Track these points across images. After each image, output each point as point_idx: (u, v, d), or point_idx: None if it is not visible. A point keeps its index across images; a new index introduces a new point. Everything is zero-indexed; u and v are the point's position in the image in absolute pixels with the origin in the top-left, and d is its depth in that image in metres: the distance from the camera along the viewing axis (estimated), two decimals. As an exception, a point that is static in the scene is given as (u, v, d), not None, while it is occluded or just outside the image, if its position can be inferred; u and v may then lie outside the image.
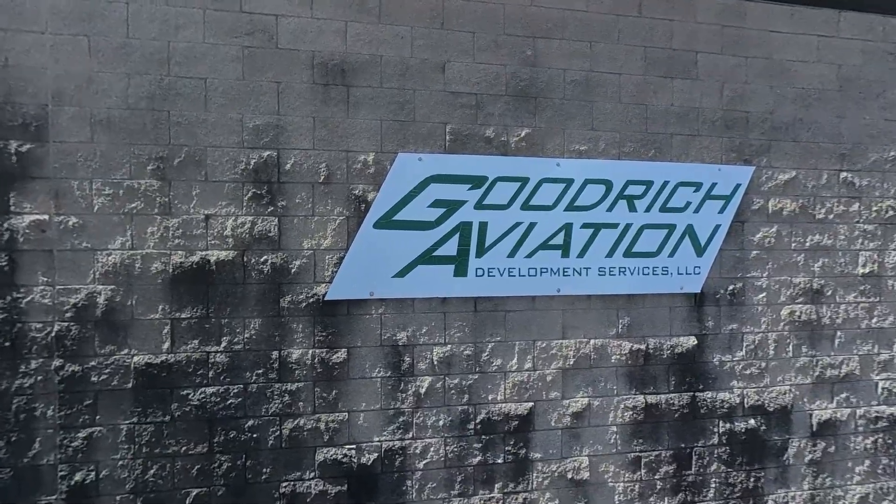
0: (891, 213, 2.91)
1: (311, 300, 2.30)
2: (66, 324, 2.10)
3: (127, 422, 2.16)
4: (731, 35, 2.69)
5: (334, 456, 2.32)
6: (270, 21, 2.25)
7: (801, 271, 2.79)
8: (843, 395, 2.86)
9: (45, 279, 2.09)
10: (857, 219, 2.87)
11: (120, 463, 2.15)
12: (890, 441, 2.92)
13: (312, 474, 2.31)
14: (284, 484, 2.28)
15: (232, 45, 2.22)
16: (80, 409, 2.12)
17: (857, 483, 2.88)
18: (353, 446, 2.34)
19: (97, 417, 2.13)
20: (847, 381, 2.86)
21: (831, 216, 2.83)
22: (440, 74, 2.39)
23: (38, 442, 2.09)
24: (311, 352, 2.30)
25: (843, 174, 2.84)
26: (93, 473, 2.13)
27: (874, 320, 2.89)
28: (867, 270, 2.88)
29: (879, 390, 2.91)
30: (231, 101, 2.23)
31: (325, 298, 2.30)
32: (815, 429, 2.82)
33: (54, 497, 2.11)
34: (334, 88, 2.31)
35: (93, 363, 2.13)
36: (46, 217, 2.08)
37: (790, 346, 2.79)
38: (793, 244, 2.78)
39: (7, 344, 2.07)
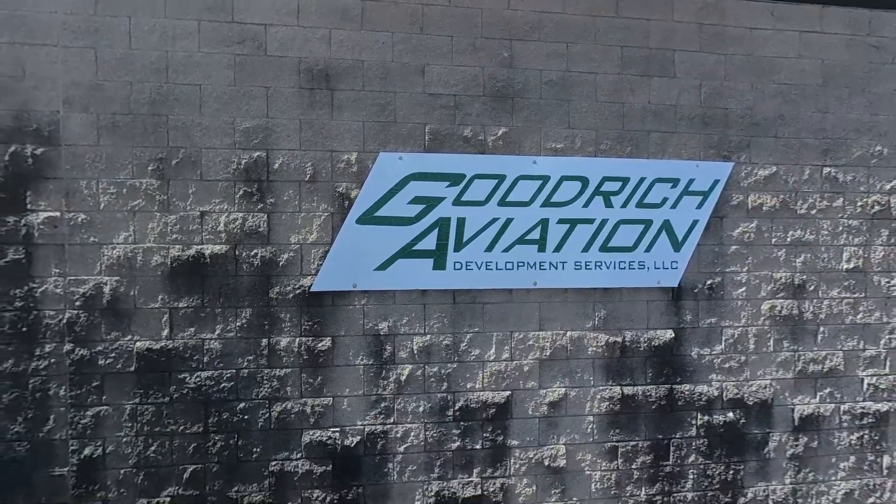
0: (877, 208, 3.12)
1: (298, 291, 2.65)
2: (76, 312, 2.50)
3: (130, 402, 2.55)
4: (710, 33, 2.94)
5: (320, 438, 2.68)
6: (260, 30, 2.60)
7: (782, 266, 3.03)
8: (827, 391, 3.09)
9: (58, 271, 2.48)
10: (842, 214, 3.09)
11: (124, 440, 2.54)
12: (877, 437, 3.14)
13: (299, 455, 2.66)
14: (273, 463, 2.64)
15: (224, 54, 2.58)
16: (89, 389, 2.51)
17: (841, 479, 3.11)
18: (338, 429, 2.69)
19: (104, 397, 2.53)
20: (831, 376, 3.09)
21: (814, 211, 3.06)
22: (420, 77, 2.71)
23: (52, 419, 2.49)
24: (297, 340, 2.66)
25: (827, 169, 3.07)
26: (100, 448, 2.52)
27: (859, 316, 3.11)
28: (851, 266, 3.09)
29: (865, 386, 3.13)
30: (224, 105, 2.59)
31: (311, 290, 2.65)
32: (797, 423, 3.06)
33: (66, 469, 2.51)
34: (319, 92, 2.65)
35: (100, 348, 2.52)
36: (58, 214, 2.48)
37: (771, 341, 3.03)
38: (773, 239, 3.02)
39: (24, 329, 2.47)
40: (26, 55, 2.45)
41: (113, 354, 2.54)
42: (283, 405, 2.65)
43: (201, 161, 2.59)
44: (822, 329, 3.08)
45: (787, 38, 3.01)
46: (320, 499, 2.68)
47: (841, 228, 3.09)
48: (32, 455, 2.49)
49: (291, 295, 2.65)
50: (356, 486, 2.71)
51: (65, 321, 2.49)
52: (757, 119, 3.00)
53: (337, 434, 2.69)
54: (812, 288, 3.07)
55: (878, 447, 3.15)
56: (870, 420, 3.14)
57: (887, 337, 3.14)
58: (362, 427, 2.71)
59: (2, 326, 2.45)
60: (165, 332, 2.57)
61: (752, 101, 2.99)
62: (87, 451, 2.52)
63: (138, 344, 2.55)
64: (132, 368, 2.55)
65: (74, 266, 2.50)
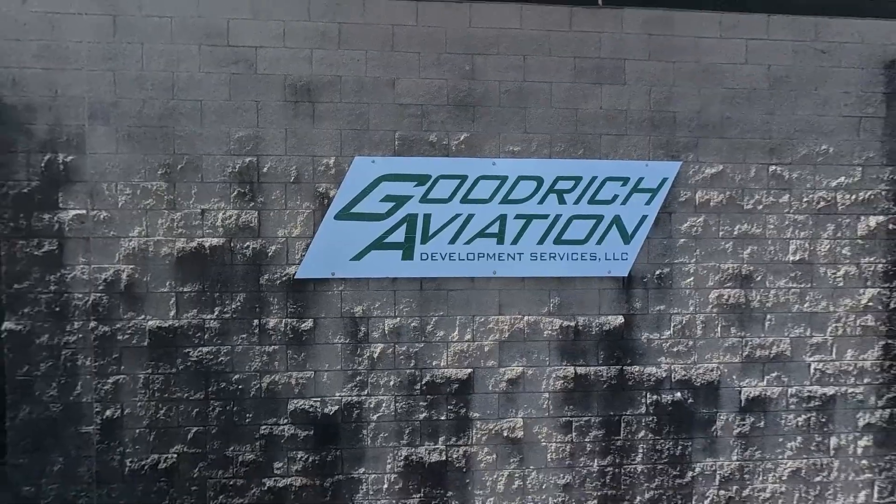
0: (822, 203, 3.49)
1: (284, 278, 3.23)
2: (99, 295, 3.14)
3: (143, 372, 3.17)
4: (659, 42, 3.38)
5: (303, 406, 3.26)
6: (251, 52, 3.19)
7: (729, 258, 3.45)
8: (774, 374, 3.50)
9: (84, 260, 3.13)
10: (788, 209, 3.48)
11: (139, 404, 3.17)
12: (824, 419, 3.53)
13: (286, 420, 3.25)
14: (263, 427, 3.24)
15: (221, 73, 3.17)
16: (110, 360, 3.15)
17: (788, 458, 3.51)
18: (318, 399, 3.26)
19: (122, 368, 3.16)
20: (778, 361, 3.49)
21: (760, 207, 3.46)
22: (391, 89, 3.25)
23: (80, 385, 3.14)
24: (284, 321, 3.24)
25: (773, 167, 3.46)
26: (119, 411, 3.16)
27: (806, 305, 3.50)
28: (797, 258, 3.49)
29: (812, 371, 3.52)
30: (220, 117, 3.18)
31: (295, 277, 3.22)
32: (743, 404, 3.48)
33: (91, 427, 3.16)
34: (302, 105, 3.22)
35: (118, 325, 3.15)
36: (84, 212, 3.12)
37: (718, 327, 3.46)
38: (720, 233, 3.44)
39: (57, 309, 3.12)
40: (58, 78, 3.09)
41: (129, 331, 3.17)
42: (272, 377, 3.24)
43: (202, 166, 3.19)
44: (768, 317, 3.49)
45: (734, 46, 3.42)
46: (303, 459, 3.26)
47: (787, 223, 3.48)
48: (64, 415, 3.14)
49: (278, 282, 3.23)
50: (335, 449, 3.28)
51: (90, 302, 3.14)
52: (704, 121, 3.42)
53: (318, 403, 3.27)
54: (759, 278, 3.48)
55: (825, 429, 3.53)
56: (816, 403, 3.53)
57: (833, 325, 3.52)
58: (340, 398, 3.28)
59: (39, 306, 3.11)
60: (172, 313, 3.18)
61: (700, 105, 3.41)
62: (108, 413, 3.16)
63: (150, 322, 3.17)
64: (145, 344, 3.17)
65: (98, 256, 3.14)
